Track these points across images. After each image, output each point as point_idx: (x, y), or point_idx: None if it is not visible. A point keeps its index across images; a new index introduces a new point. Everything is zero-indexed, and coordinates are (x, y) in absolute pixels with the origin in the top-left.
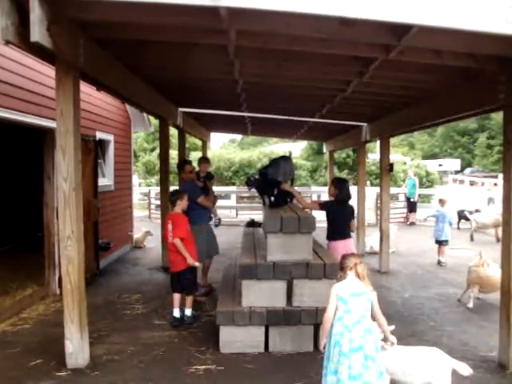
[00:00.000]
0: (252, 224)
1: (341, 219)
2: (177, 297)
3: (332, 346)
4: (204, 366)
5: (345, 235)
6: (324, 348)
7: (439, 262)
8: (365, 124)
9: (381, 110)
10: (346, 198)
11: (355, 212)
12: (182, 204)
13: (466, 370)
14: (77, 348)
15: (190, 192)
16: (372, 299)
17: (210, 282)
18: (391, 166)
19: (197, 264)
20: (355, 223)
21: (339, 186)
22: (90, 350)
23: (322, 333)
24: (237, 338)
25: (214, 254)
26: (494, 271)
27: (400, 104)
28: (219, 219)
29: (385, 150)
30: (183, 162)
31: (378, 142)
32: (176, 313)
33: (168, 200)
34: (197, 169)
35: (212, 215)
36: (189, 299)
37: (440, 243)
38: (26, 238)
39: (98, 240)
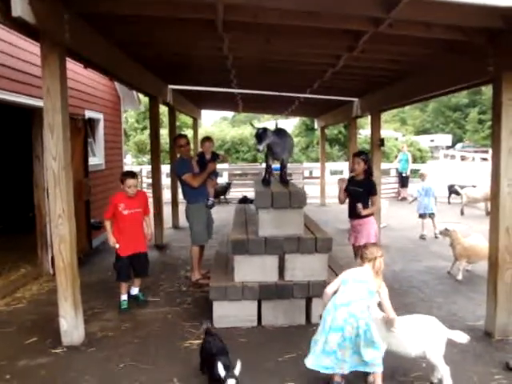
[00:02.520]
0: (244, 200)
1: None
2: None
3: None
4: (198, 341)
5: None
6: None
7: (422, 236)
8: (356, 99)
9: (371, 85)
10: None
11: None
12: (124, 187)
13: (462, 337)
14: (71, 325)
15: (177, 168)
16: (379, 293)
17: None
18: (382, 141)
19: (117, 246)
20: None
21: (368, 160)
22: (85, 327)
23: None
24: (230, 313)
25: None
26: (477, 240)
27: (390, 78)
28: (213, 201)
29: (376, 125)
30: (177, 135)
31: (370, 118)
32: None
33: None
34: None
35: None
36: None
37: (424, 216)
38: (18, 218)
39: (90, 219)
